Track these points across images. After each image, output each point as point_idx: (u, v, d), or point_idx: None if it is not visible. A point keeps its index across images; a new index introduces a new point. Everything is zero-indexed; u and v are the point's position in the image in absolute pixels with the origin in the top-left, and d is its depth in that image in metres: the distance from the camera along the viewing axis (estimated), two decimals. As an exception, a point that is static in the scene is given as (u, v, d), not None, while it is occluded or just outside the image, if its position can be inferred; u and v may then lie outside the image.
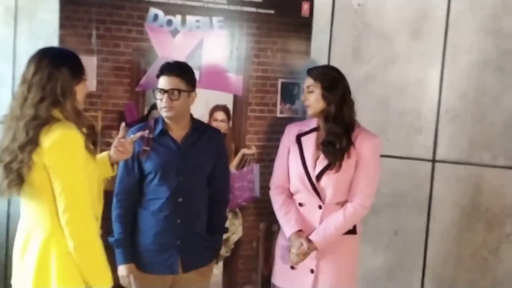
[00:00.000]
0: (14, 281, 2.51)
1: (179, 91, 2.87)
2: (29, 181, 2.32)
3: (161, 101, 2.89)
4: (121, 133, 2.73)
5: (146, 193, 2.97)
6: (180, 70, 2.92)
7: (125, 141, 2.72)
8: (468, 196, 3.60)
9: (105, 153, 2.73)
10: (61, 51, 2.51)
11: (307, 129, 3.04)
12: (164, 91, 2.87)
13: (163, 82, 2.89)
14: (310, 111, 2.97)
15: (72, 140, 2.33)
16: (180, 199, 2.93)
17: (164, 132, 2.96)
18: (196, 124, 3.03)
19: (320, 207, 2.94)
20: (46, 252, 2.36)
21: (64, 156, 2.31)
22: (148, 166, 2.94)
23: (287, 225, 3.01)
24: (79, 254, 2.34)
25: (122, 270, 2.95)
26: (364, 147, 2.90)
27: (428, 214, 3.66)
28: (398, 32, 3.66)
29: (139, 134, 2.81)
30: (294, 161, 3.01)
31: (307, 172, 2.94)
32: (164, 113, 2.92)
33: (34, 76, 2.33)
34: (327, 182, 2.91)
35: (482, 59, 3.55)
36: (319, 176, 2.92)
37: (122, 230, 2.95)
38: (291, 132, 3.09)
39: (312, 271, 2.97)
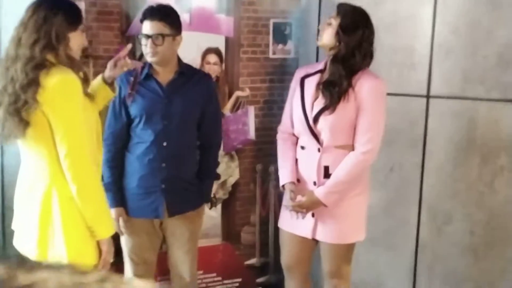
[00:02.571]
0: (15, 226, 2.53)
1: (163, 35, 2.83)
2: (32, 124, 2.31)
3: (146, 47, 2.86)
4: (125, 51, 2.73)
5: (132, 137, 2.98)
6: (163, 14, 2.86)
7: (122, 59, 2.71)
8: (463, 130, 3.61)
9: (98, 77, 2.71)
10: None
11: (313, 71, 2.97)
12: (148, 36, 2.83)
13: (147, 27, 2.85)
14: (318, 41, 2.92)
15: (71, 85, 2.34)
16: (165, 143, 2.93)
17: (150, 76, 2.93)
18: (183, 68, 2.99)
19: (319, 150, 2.90)
20: (49, 198, 2.37)
21: (64, 100, 2.32)
22: (133, 110, 2.94)
23: (282, 175, 3.01)
24: (81, 198, 2.36)
25: (111, 213, 2.96)
26: (364, 90, 2.83)
27: (423, 150, 3.67)
28: (388, -33, 3.60)
29: (133, 62, 2.80)
30: (296, 103, 2.97)
31: (305, 114, 2.90)
32: (149, 58, 2.89)
33: (30, 18, 2.33)
34: (324, 125, 2.86)
35: (475, -8, 3.51)
36: (317, 118, 2.87)
37: (111, 174, 2.96)
38: (298, 75, 3.03)
39: (313, 215, 2.95)
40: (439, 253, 3.73)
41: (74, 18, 2.45)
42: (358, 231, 3.02)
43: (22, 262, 0.75)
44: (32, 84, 2.27)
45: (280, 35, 3.50)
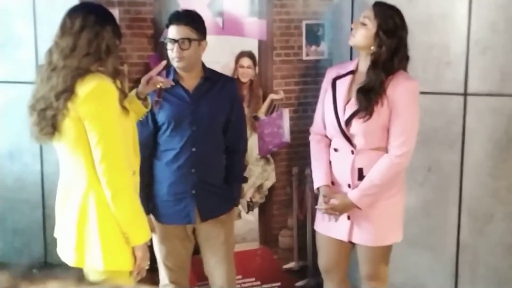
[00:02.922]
0: (57, 234, 2.56)
1: (190, 40, 2.84)
2: (63, 131, 2.35)
3: (172, 51, 2.87)
4: (159, 68, 2.75)
5: (160, 144, 2.98)
6: (190, 19, 2.88)
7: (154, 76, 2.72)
8: (502, 128, 3.54)
9: (132, 92, 2.73)
10: (104, 10, 2.53)
11: (344, 72, 2.92)
12: (174, 40, 2.85)
13: (173, 31, 2.86)
14: (351, 41, 2.85)
15: (107, 91, 2.36)
16: (194, 149, 2.93)
17: (176, 82, 2.93)
18: (207, 73, 3.00)
19: (352, 152, 2.85)
20: (85, 204, 2.40)
21: (99, 106, 2.34)
22: (161, 117, 2.94)
23: (316, 177, 2.97)
24: (116, 204, 2.37)
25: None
26: (397, 93, 2.76)
27: (462, 149, 3.61)
28: (421, -36, 3.56)
29: (166, 80, 2.79)
30: (327, 106, 2.92)
31: (338, 117, 2.85)
32: (175, 63, 2.91)
33: (81, 31, 2.36)
34: (357, 129, 2.80)
35: (511, -13, 3.45)
36: (349, 121, 2.82)
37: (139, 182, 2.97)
38: (329, 75, 2.98)
39: (348, 217, 2.91)
40: (481, 253, 3.66)
41: (119, 31, 2.50)
42: (394, 233, 2.98)
43: (29, 272, 0.75)
44: (66, 91, 2.30)
45: (313, 36, 3.47)
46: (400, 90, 2.77)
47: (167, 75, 2.94)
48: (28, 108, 2.42)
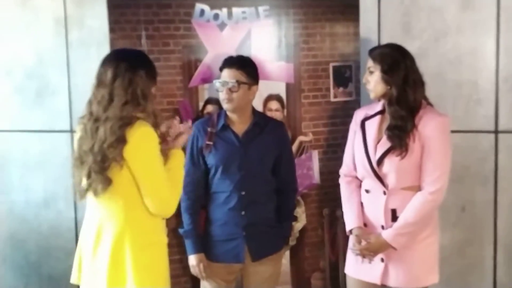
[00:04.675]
0: (84, 278, 2.57)
1: (239, 83, 2.93)
2: (115, 180, 2.42)
3: (222, 93, 2.96)
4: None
5: (211, 186, 3.05)
6: (241, 63, 2.99)
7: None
8: (535, 164, 3.50)
9: None
10: (136, 54, 2.58)
11: (373, 112, 2.93)
12: (225, 83, 2.94)
13: (224, 74, 2.97)
14: (371, 95, 2.87)
15: (152, 137, 2.42)
16: (243, 192, 2.99)
17: (226, 126, 3.02)
18: (257, 117, 3.07)
19: (384, 193, 2.83)
20: (120, 247, 2.44)
21: (145, 149, 2.41)
22: (210, 160, 3.01)
23: (348, 219, 2.95)
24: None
25: (192, 259, 3.06)
26: (428, 128, 2.75)
27: (495, 187, 3.57)
28: (447, 3, 3.57)
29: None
30: (358, 147, 2.92)
31: (368, 157, 2.85)
32: (224, 105, 2.99)
33: (115, 81, 2.41)
34: (389, 167, 2.79)
35: (539, 22, 3.45)
36: (381, 161, 2.81)
37: (191, 221, 3.04)
38: (357, 117, 2.99)
39: (382, 260, 2.86)
40: (519, 293, 3.59)
41: (153, 72, 2.55)
42: (431, 274, 2.92)
43: None
44: (120, 141, 2.36)
45: (341, 78, 3.50)
46: (431, 126, 2.77)
47: (218, 119, 3.03)
48: (75, 161, 2.47)
